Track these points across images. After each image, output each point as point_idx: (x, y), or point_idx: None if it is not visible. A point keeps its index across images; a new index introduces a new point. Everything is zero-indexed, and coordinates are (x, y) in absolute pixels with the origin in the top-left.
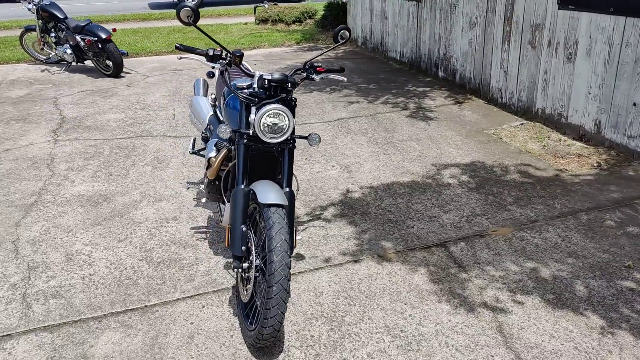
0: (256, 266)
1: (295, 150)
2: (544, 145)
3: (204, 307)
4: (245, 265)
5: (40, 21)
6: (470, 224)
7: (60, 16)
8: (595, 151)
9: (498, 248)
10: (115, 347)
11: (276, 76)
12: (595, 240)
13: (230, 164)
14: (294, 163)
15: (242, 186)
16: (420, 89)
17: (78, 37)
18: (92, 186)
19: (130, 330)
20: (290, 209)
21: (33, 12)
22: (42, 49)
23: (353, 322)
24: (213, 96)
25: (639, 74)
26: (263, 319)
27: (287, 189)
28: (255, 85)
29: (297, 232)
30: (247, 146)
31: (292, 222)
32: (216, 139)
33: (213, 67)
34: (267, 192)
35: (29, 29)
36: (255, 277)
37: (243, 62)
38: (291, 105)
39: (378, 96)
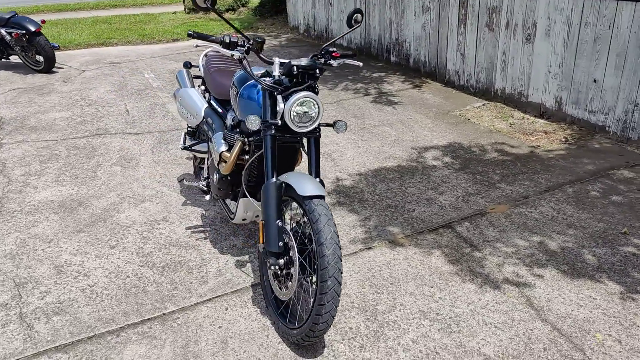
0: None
1: None
2: (511, 124)
3: (227, 309)
4: (282, 261)
5: None
6: (468, 204)
7: None
8: (559, 127)
9: (501, 225)
10: None
11: (304, 62)
12: (586, 210)
13: (249, 158)
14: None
15: (274, 179)
16: (375, 75)
17: (3, 31)
18: (59, 191)
19: (156, 341)
20: None
21: None
22: None
23: (387, 310)
24: (202, 87)
25: (598, 52)
26: (316, 315)
27: (318, 179)
28: (276, 73)
29: None
30: (275, 137)
31: None
32: (221, 132)
33: (232, 55)
34: (305, 184)
35: None
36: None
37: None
38: (315, 93)
39: (336, 83)
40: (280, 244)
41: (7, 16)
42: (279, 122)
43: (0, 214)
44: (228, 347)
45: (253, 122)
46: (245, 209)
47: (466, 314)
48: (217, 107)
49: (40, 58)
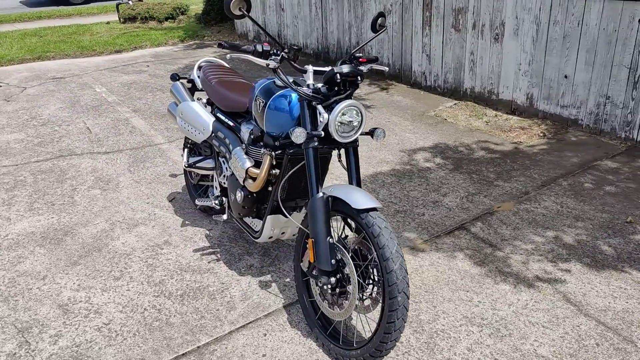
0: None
1: None
2: (487, 122)
3: (265, 335)
4: (333, 280)
5: None
6: (474, 204)
7: None
8: (533, 123)
9: (513, 222)
10: None
11: (346, 69)
12: (587, 202)
13: (281, 173)
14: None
15: (321, 194)
16: None
17: None
18: (37, 221)
19: None
20: None
21: None
22: None
23: (431, 320)
24: (204, 100)
25: (568, 49)
26: (385, 333)
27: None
28: (310, 82)
29: None
30: (317, 149)
31: None
32: (240, 147)
33: (267, 65)
34: (357, 197)
35: None
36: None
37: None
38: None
39: None
40: (333, 261)
41: None
42: (322, 133)
43: None
44: None
45: (299, 135)
46: (273, 226)
47: (510, 316)
48: (226, 120)
49: None
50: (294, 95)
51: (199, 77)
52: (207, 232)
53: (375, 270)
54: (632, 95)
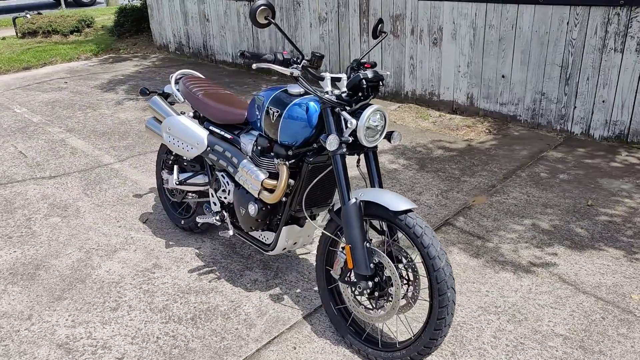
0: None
1: None
2: (434, 122)
3: (295, 348)
4: (371, 284)
5: None
6: (450, 200)
7: None
8: (476, 121)
9: (491, 214)
10: None
11: (371, 74)
12: (548, 190)
13: (299, 181)
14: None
15: (353, 200)
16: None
17: None
18: None
19: None
20: None
21: None
22: None
23: None
24: (190, 114)
25: (504, 50)
26: (435, 330)
27: None
28: (328, 89)
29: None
30: (344, 155)
31: None
32: (246, 159)
33: (291, 73)
34: (392, 199)
35: None
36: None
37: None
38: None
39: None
40: (372, 265)
41: None
42: (351, 139)
43: None
44: None
45: (333, 143)
46: (288, 237)
47: (519, 301)
48: (222, 132)
49: None
50: (312, 104)
51: (178, 90)
52: (197, 250)
53: (409, 270)
54: (565, 91)
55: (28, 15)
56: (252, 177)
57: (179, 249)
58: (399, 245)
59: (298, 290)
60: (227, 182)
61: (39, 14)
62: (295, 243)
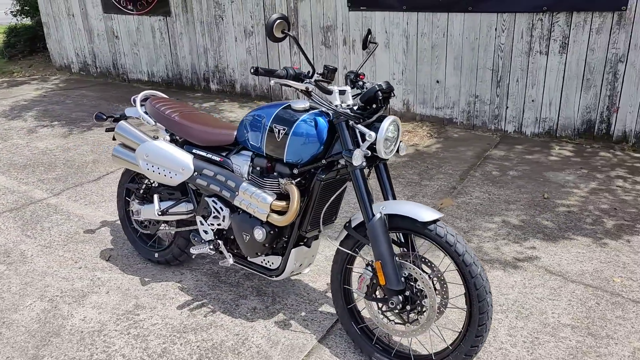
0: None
1: None
2: None
3: None
4: (401, 297)
5: None
6: None
7: None
8: (416, 125)
9: (462, 215)
10: None
11: (385, 85)
12: (504, 187)
13: (310, 200)
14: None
15: (378, 215)
16: (206, 104)
17: None
18: None
19: None
20: None
21: None
22: None
23: (461, 318)
24: (167, 137)
25: (437, 57)
26: (476, 337)
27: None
28: (337, 102)
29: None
30: (363, 170)
31: None
32: (246, 182)
33: (306, 88)
34: (418, 210)
35: None
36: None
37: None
38: None
39: None
40: (402, 279)
41: None
42: (369, 152)
43: None
44: None
45: (358, 157)
46: (296, 259)
47: (519, 297)
48: (209, 155)
49: None
50: (320, 119)
51: (146, 112)
52: (179, 284)
53: (436, 280)
54: (497, 93)
55: None
56: (258, 200)
57: (158, 285)
58: (421, 255)
59: (303, 314)
60: (221, 207)
61: None
62: (300, 265)
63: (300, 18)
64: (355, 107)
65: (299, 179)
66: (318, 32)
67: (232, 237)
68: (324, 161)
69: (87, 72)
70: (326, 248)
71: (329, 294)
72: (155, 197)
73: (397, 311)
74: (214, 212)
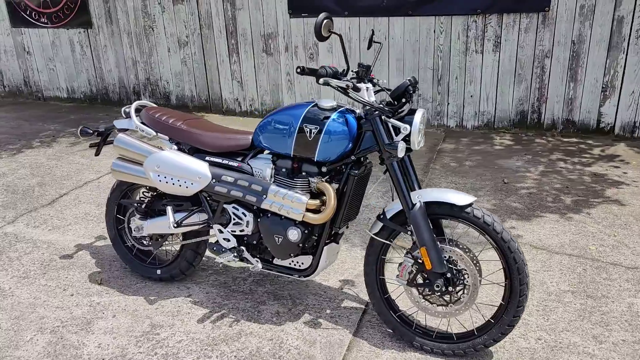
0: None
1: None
2: None
3: None
4: (443, 280)
5: None
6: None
7: None
8: None
9: None
10: None
11: (413, 80)
12: (467, 177)
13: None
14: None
15: (418, 204)
16: None
17: None
18: None
19: None
20: None
21: None
22: None
23: None
24: (174, 147)
25: (379, 60)
26: (518, 307)
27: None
28: (373, 99)
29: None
30: (400, 162)
31: None
32: (274, 184)
33: (347, 86)
34: (454, 195)
35: None
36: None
37: None
38: None
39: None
40: (445, 262)
41: None
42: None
43: None
44: None
45: (402, 149)
46: (327, 257)
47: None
48: (225, 161)
49: None
50: (349, 116)
51: (144, 123)
52: (189, 299)
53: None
54: (438, 91)
55: None
56: (293, 200)
57: (167, 302)
58: (451, 238)
59: (328, 311)
60: (243, 213)
61: None
62: (327, 262)
63: (240, 26)
64: (383, 103)
65: (327, 177)
66: (259, 39)
67: (254, 242)
68: (353, 157)
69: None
70: None
71: (345, 290)
72: (169, 208)
73: (440, 293)
74: (234, 219)
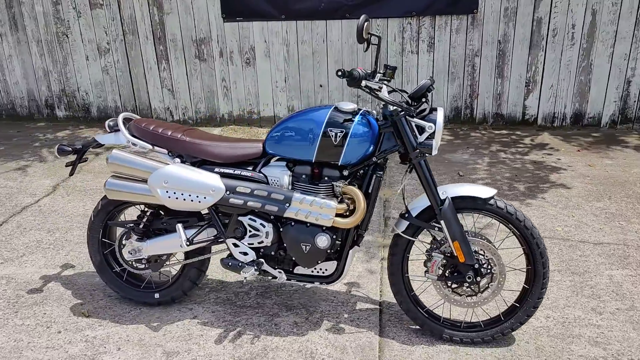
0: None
1: None
2: None
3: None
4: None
5: None
6: None
7: None
8: None
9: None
10: None
11: (432, 81)
12: None
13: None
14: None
15: (447, 200)
16: (60, 134)
17: None
18: None
19: None
20: None
21: None
22: None
23: None
24: (178, 160)
25: (319, 62)
26: (542, 289)
27: None
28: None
29: None
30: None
31: None
32: (294, 191)
33: (380, 87)
34: (477, 189)
35: None
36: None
37: None
38: None
39: (14, 157)
40: (474, 254)
41: None
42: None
43: None
44: None
45: (436, 147)
46: (351, 260)
47: (504, 257)
48: (238, 172)
49: None
50: (370, 118)
51: (134, 136)
52: (196, 320)
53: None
54: None
55: None
56: (322, 206)
57: (173, 326)
58: (472, 230)
59: (346, 316)
60: (262, 224)
61: None
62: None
63: (169, 31)
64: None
65: (348, 180)
66: (190, 45)
67: (272, 253)
68: (374, 159)
69: None
70: None
71: (354, 292)
72: (180, 226)
73: (471, 284)
74: (250, 231)
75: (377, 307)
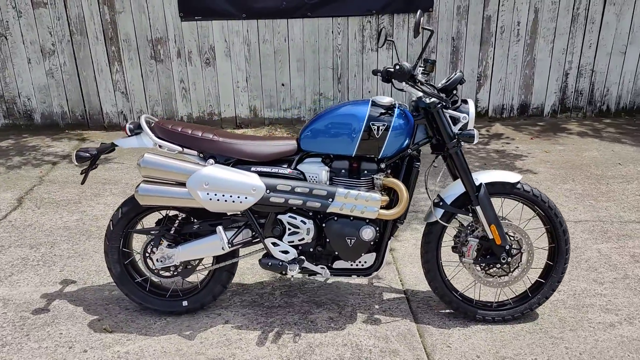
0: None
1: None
2: None
3: (449, 347)
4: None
5: None
6: None
7: None
8: (269, 129)
9: None
10: None
11: (460, 72)
12: None
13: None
14: None
15: (482, 187)
16: (3, 144)
17: None
18: None
19: None
20: None
21: None
22: None
23: None
24: (212, 161)
25: (281, 61)
26: (565, 264)
27: None
28: (418, 88)
29: None
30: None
31: None
32: (340, 187)
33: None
34: (506, 175)
35: None
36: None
37: None
38: None
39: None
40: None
41: None
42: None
43: None
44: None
45: (477, 136)
46: (388, 250)
47: None
48: (275, 170)
49: None
50: (405, 110)
51: (161, 138)
52: (229, 325)
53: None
54: (338, 89)
55: None
56: (366, 199)
57: (208, 333)
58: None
59: (377, 307)
60: (302, 221)
61: None
62: None
63: (121, 31)
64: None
65: (386, 173)
66: (145, 45)
67: (311, 249)
68: (409, 150)
69: None
70: None
71: (376, 284)
72: (220, 228)
73: (504, 265)
74: (290, 229)
75: (403, 295)
